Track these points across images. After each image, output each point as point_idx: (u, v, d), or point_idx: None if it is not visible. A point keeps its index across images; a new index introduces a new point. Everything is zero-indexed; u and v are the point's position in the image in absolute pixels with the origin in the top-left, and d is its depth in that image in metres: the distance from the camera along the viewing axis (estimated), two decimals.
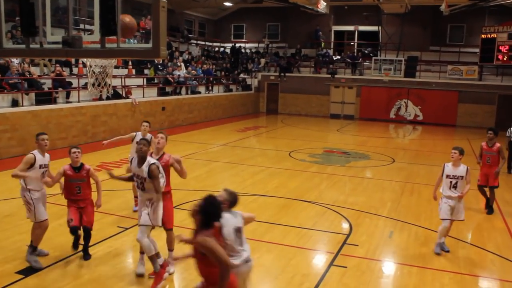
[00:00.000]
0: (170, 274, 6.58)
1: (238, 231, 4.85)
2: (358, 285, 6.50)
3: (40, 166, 6.83)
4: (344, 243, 8.05)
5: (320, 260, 7.53)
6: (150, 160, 6.24)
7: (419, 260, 7.42)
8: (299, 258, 7.40)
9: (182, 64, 25.39)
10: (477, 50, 27.37)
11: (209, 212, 4.33)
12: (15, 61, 15.60)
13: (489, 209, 10.12)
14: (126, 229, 8.35)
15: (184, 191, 10.90)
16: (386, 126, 26.69)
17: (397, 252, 7.77)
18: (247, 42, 35.46)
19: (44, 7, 4.89)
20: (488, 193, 10.26)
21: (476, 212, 10.14)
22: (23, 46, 5.07)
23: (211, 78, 27.11)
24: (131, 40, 21.04)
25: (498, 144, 10.07)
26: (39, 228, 6.87)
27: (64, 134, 15.73)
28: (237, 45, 34.45)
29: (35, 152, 6.84)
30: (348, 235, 8.46)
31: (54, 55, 5.64)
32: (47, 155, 6.99)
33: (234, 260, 4.65)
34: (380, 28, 30.78)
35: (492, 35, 26.08)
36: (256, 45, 34.90)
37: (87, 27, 18.65)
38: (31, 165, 6.72)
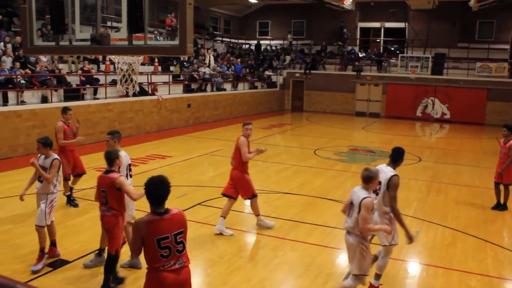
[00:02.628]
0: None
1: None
2: (383, 285, 6.43)
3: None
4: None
5: (344, 259, 7.44)
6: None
7: (445, 261, 7.30)
8: (323, 256, 7.36)
9: (212, 59, 25.49)
10: (507, 46, 26.71)
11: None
12: (43, 58, 15.90)
13: (501, 206, 10.00)
14: None
15: (209, 187, 10.99)
16: (412, 124, 26.32)
17: (423, 253, 7.66)
18: (272, 39, 35.40)
19: (73, 5, 4.97)
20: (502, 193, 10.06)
21: (504, 213, 9.92)
22: (53, 43, 5.16)
23: (240, 75, 27.19)
24: (158, 37, 21.27)
25: (511, 142, 9.77)
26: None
27: (91, 130, 15.96)
28: (261, 42, 34.40)
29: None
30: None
31: (82, 52, 5.73)
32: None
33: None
34: (406, 24, 30.35)
35: None
36: (281, 42, 34.85)
37: (114, 24, 18.86)
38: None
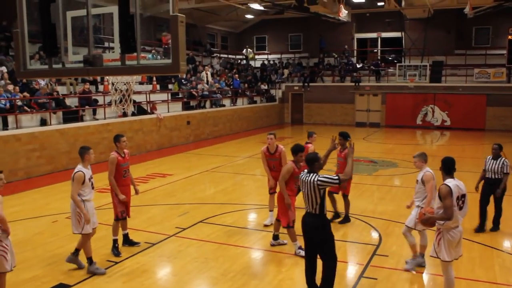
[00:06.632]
0: None
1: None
2: None
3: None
4: (374, 254, 7.89)
5: (349, 272, 7.37)
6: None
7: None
8: None
9: (209, 76, 25.49)
10: (504, 51, 26.81)
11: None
12: (42, 82, 15.94)
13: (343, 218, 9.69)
14: (153, 244, 8.35)
15: (211, 204, 10.91)
16: (413, 133, 26.27)
17: (429, 262, 7.54)
18: (270, 54, 35.55)
19: (66, 28, 4.97)
20: None
21: (508, 219, 9.81)
22: (46, 66, 5.15)
23: (239, 90, 27.23)
24: (150, 56, 21.30)
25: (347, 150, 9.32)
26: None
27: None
28: (258, 57, 34.54)
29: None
30: (378, 246, 8.28)
31: (76, 74, 5.73)
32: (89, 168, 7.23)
33: None
34: (403, 33, 30.47)
35: None
36: (279, 56, 34.98)
37: (111, 45, 18.97)
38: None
